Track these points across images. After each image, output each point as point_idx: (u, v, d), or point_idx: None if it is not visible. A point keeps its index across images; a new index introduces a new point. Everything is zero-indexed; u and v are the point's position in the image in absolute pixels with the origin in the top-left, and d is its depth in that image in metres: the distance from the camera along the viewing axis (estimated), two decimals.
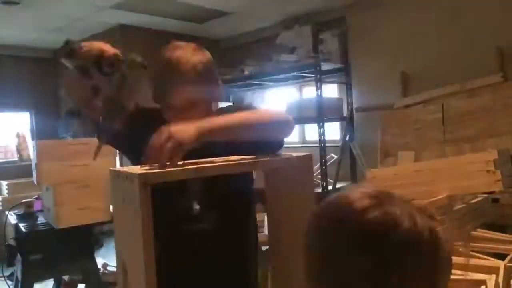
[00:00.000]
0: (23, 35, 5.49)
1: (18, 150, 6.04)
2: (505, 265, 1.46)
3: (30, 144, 5.97)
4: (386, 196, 0.64)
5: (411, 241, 0.59)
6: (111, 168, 0.93)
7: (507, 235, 1.99)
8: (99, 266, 3.17)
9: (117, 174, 0.90)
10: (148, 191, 0.79)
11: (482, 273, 1.41)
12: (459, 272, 1.42)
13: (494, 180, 1.81)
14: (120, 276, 0.93)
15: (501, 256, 1.64)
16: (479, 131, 3.26)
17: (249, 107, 1.51)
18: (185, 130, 0.99)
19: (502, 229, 2.29)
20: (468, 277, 1.38)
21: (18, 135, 6.09)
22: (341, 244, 0.61)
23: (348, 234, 0.61)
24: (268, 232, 1.23)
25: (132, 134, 1.22)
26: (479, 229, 2.06)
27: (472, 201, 2.10)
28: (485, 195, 2.17)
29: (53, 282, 3.36)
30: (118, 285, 0.95)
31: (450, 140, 3.42)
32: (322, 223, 0.65)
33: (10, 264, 2.99)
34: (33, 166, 2.76)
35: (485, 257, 1.64)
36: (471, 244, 1.86)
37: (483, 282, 1.33)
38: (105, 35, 5.46)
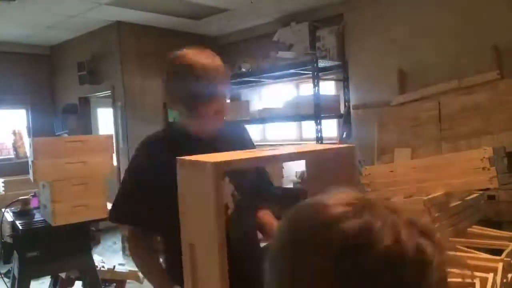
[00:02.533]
0: (19, 31, 5.47)
1: (15, 147, 6.02)
2: (502, 260, 1.47)
3: (27, 141, 5.95)
4: (367, 204, 0.52)
5: (390, 261, 0.47)
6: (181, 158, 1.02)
7: (503, 232, 2.00)
8: (96, 263, 3.17)
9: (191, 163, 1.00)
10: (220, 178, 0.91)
11: (480, 270, 1.42)
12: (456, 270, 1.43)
13: (489, 177, 1.81)
14: (187, 253, 1.01)
15: (497, 252, 1.65)
16: (475, 128, 3.27)
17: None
18: None
19: (498, 225, 2.31)
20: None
21: (14, 132, 6.07)
22: (304, 259, 0.50)
23: (315, 249, 0.50)
24: None
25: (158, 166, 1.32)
26: (475, 226, 2.07)
27: (468, 198, 2.11)
28: (481, 192, 2.18)
29: (50, 279, 3.36)
30: (184, 262, 1.01)
31: (446, 137, 3.44)
32: (289, 235, 0.55)
33: (7, 261, 2.99)
34: (29, 163, 2.76)
35: (481, 253, 1.65)
36: (467, 240, 1.87)
37: (482, 279, 1.34)
38: (102, 32, 5.44)
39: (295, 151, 1.10)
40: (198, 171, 0.93)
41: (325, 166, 1.16)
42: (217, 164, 0.89)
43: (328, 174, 1.15)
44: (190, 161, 0.98)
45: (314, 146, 1.17)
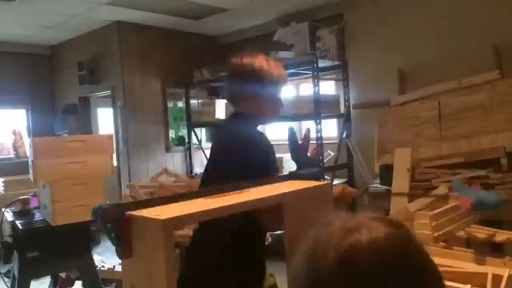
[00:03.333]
0: (19, 31, 5.47)
1: (15, 147, 6.02)
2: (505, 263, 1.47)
3: (27, 141, 5.95)
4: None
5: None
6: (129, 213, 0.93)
7: (503, 231, 2.00)
8: (96, 263, 3.17)
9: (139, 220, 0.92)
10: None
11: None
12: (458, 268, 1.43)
13: None
14: None
15: (497, 252, 1.65)
16: (476, 128, 3.27)
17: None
18: None
19: (497, 225, 2.31)
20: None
21: (14, 132, 6.07)
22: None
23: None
24: (286, 259, 1.25)
25: None
26: (476, 225, 2.07)
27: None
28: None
29: (50, 279, 3.36)
30: None
31: (446, 137, 3.43)
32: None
33: (7, 261, 2.99)
34: (29, 163, 2.75)
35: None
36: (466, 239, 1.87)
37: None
38: (102, 31, 5.44)
39: (267, 194, 1.05)
40: (149, 227, 0.88)
41: (302, 203, 1.14)
42: (166, 221, 0.84)
43: (305, 210, 1.14)
44: (141, 216, 0.92)
45: (289, 186, 1.13)
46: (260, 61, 1.62)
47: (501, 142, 3.06)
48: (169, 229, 0.84)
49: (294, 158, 1.45)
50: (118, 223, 0.94)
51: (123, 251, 0.93)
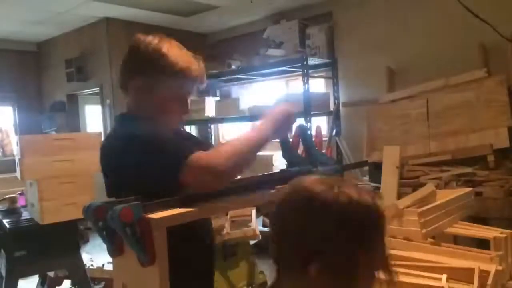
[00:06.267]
0: (5, 27, 5.38)
1: (1, 145, 5.94)
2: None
3: (14, 139, 5.88)
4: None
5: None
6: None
7: (490, 228, 2.03)
8: (85, 261, 3.15)
9: None
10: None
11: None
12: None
13: None
14: None
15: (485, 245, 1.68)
16: (463, 126, 3.30)
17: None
18: None
19: (484, 221, 2.34)
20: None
21: (1, 130, 5.99)
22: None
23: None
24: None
25: None
26: (463, 222, 2.09)
27: (456, 195, 2.13)
28: (469, 189, 2.21)
29: (38, 278, 3.32)
30: None
31: (434, 134, 3.46)
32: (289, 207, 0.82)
33: None
34: (17, 161, 2.72)
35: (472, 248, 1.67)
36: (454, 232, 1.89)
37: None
38: (90, 28, 5.39)
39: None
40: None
41: None
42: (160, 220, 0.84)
43: None
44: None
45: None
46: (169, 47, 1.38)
47: (488, 139, 3.10)
48: (161, 228, 0.83)
49: (285, 156, 1.44)
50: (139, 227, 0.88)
51: (149, 257, 0.88)
